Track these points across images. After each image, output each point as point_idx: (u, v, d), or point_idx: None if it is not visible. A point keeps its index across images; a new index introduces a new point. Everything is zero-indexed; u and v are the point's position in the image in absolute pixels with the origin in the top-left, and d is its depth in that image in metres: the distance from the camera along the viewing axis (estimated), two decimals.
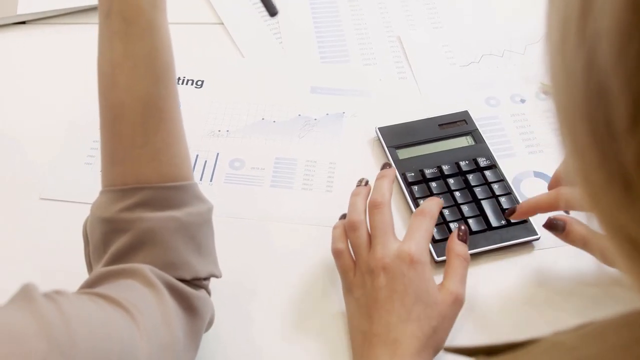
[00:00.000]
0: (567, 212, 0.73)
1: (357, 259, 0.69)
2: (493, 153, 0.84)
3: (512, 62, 0.99)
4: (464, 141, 0.85)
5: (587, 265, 0.74)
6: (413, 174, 0.81)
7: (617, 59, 0.27)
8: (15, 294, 0.47)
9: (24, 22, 1.05)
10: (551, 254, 0.75)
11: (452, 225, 0.76)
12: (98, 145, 0.85)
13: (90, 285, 0.56)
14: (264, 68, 0.98)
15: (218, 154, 0.86)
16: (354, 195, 0.72)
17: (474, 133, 0.86)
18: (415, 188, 0.79)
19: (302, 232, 0.79)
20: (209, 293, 0.63)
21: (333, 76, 0.96)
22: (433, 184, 0.80)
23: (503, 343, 0.41)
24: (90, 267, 0.63)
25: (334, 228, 0.72)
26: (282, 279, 0.75)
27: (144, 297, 0.54)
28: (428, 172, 0.81)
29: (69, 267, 0.73)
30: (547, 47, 0.34)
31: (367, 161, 0.85)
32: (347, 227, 0.70)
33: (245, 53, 1.00)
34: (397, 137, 0.86)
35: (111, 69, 0.59)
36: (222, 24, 1.04)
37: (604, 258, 0.68)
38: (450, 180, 0.80)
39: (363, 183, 0.74)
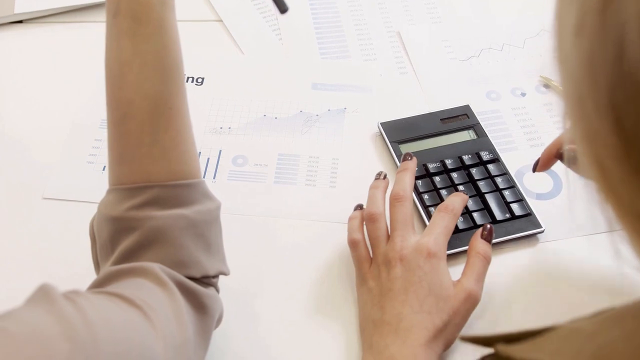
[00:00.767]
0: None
1: (374, 251, 0.70)
2: (495, 147, 0.84)
3: (512, 55, 0.99)
4: (466, 135, 0.85)
5: (592, 256, 0.74)
6: (417, 169, 0.81)
7: None
8: (33, 294, 0.47)
9: (21, 21, 1.04)
10: (556, 246, 0.76)
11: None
12: (100, 144, 0.86)
13: (100, 284, 0.56)
14: (264, 65, 0.98)
15: (221, 151, 0.86)
16: (373, 187, 0.73)
17: (476, 127, 0.86)
18: (419, 182, 0.80)
19: (306, 228, 0.79)
20: (217, 290, 0.63)
21: (334, 72, 0.96)
22: (437, 179, 0.80)
23: (520, 331, 0.41)
24: (97, 266, 0.62)
25: (351, 219, 0.73)
26: (288, 275, 0.75)
27: (156, 296, 0.53)
28: (431, 166, 0.81)
29: (72, 266, 0.73)
30: (561, 40, 0.34)
31: (370, 157, 0.85)
32: (366, 218, 0.71)
33: (245, 50, 1.00)
34: (399, 132, 0.86)
35: (119, 67, 0.59)
36: (221, 21, 1.04)
37: None
38: (454, 175, 0.80)
39: (382, 176, 0.75)
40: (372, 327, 0.65)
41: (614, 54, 0.29)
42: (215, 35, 1.02)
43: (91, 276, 0.63)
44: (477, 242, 0.69)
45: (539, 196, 0.80)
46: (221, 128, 0.89)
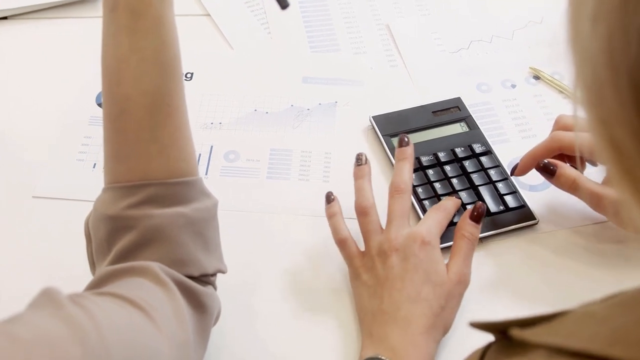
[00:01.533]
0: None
1: (367, 243, 0.69)
2: (487, 139, 0.84)
3: (501, 47, 0.99)
4: (458, 128, 0.85)
5: (586, 246, 0.74)
6: None
7: None
8: (37, 298, 0.47)
9: (5, 18, 1.03)
10: (550, 238, 0.76)
11: None
12: (89, 141, 0.85)
13: (98, 283, 0.55)
14: (254, 59, 0.97)
15: (212, 146, 0.86)
16: (358, 177, 0.72)
17: (467, 119, 0.86)
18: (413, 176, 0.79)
19: (300, 223, 0.78)
20: (215, 288, 0.62)
21: (324, 66, 0.96)
22: (430, 172, 0.80)
23: (532, 316, 0.41)
24: (93, 265, 0.62)
25: (331, 217, 0.71)
26: (282, 270, 0.74)
27: (156, 296, 0.53)
28: (424, 159, 0.81)
29: (65, 266, 0.73)
30: (577, 26, 0.34)
31: (362, 150, 0.84)
32: (357, 212, 0.71)
33: (234, 45, 0.99)
34: (391, 125, 0.86)
35: (117, 63, 0.58)
36: (209, 15, 1.03)
37: (597, 206, 0.70)
38: (447, 167, 0.80)
39: (363, 161, 0.73)
40: (370, 317, 0.65)
41: (636, 37, 0.29)
42: (204, 30, 1.02)
43: (85, 276, 0.62)
44: (465, 223, 0.69)
45: (532, 188, 0.80)
46: (212, 123, 0.88)
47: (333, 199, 0.72)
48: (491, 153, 0.82)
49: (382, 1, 1.07)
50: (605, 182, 0.72)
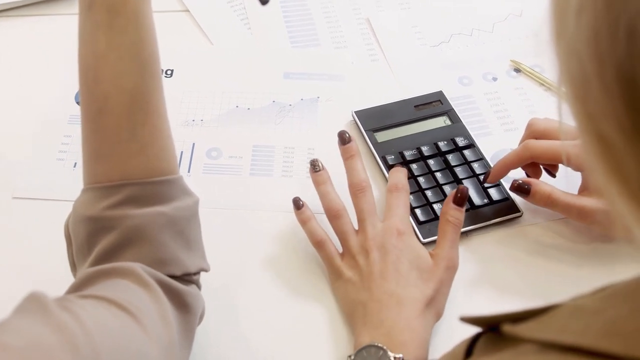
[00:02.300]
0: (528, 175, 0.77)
1: (344, 244, 0.70)
2: (470, 132, 0.84)
3: (481, 40, 0.99)
4: (441, 121, 0.85)
5: (570, 237, 0.75)
6: (393, 157, 0.81)
7: None
8: (24, 303, 0.46)
9: None
10: (535, 230, 0.76)
11: (436, 207, 0.76)
12: (69, 140, 0.84)
13: (80, 285, 0.54)
14: (234, 55, 0.96)
15: (194, 144, 0.85)
16: (320, 184, 0.73)
17: (449, 113, 0.86)
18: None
19: (284, 220, 0.78)
20: (199, 287, 0.62)
21: (305, 61, 0.95)
22: (414, 166, 0.80)
23: (523, 310, 0.41)
24: (74, 267, 0.61)
25: (304, 223, 0.72)
26: (267, 267, 0.74)
27: (141, 297, 0.52)
28: (408, 154, 0.81)
29: (46, 268, 0.72)
30: (561, 21, 0.33)
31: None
32: (329, 216, 0.71)
33: (214, 40, 0.98)
34: (374, 120, 0.85)
35: (95, 61, 0.57)
36: (188, 11, 1.02)
37: (577, 217, 0.71)
38: (431, 161, 0.80)
39: (320, 166, 0.74)
40: (362, 309, 0.65)
41: (624, 30, 0.29)
42: (183, 26, 1.01)
43: (67, 277, 0.62)
44: (448, 207, 0.69)
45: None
46: (193, 120, 0.88)
47: (302, 205, 0.73)
48: (474, 146, 0.82)
49: None
50: (581, 191, 0.73)
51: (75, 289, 0.54)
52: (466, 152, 0.81)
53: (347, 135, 0.74)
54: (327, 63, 0.95)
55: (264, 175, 0.82)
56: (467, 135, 0.83)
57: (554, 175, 0.77)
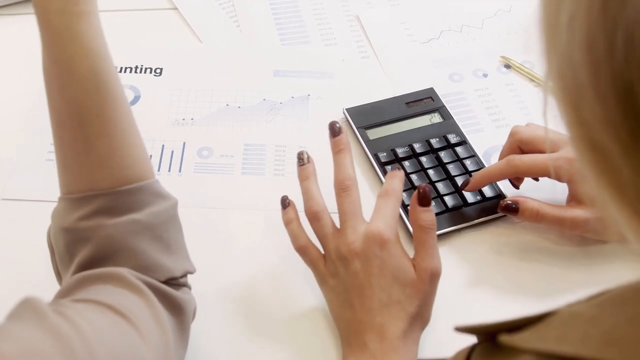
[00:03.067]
0: (515, 186, 0.77)
1: (324, 247, 0.66)
2: (462, 129, 0.84)
3: (471, 36, 0.99)
4: (433, 118, 0.85)
5: (564, 234, 0.75)
6: (385, 154, 0.81)
7: None
8: (18, 309, 0.45)
9: None
10: (528, 226, 0.76)
11: None
12: None
13: (70, 290, 0.54)
14: (223, 53, 0.96)
15: (185, 143, 0.84)
16: (303, 179, 0.69)
17: (441, 110, 0.86)
18: (388, 168, 0.79)
19: (277, 219, 0.77)
20: (189, 288, 0.61)
21: (295, 58, 0.95)
22: (406, 163, 0.80)
23: (518, 318, 0.41)
24: (59, 276, 0.60)
25: (288, 224, 0.69)
26: (261, 267, 0.73)
27: (134, 302, 0.52)
28: (400, 151, 0.81)
29: (36, 269, 0.71)
30: (554, 29, 0.33)
31: None
32: (308, 217, 0.68)
33: (203, 38, 0.98)
34: (365, 118, 0.85)
35: (46, 74, 0.57)
36: (177, 9, 1.01)
37: (568, 228, 0.71)
38: (423, 159, 0.80)
39: (305, 160, 0.70)
40: (345, 327, 0.64)
41: (622, 39, 0.28)
42: (172, 24, 1.00)
43: (56, 281, 0.61)
44: (416, 211, 0.65)
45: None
46: (183, 119, 0.87)
47: (289, 204, 0.70)
48: (466, 143, 0.82)
49: None
50: (569, 201, 0.73)
51: (64, 294, 0.54)
52: (458, 149, 0.81)
53: (338, 126, 0.70)
54: (317, 60, 0.95)
55: (256, 174, 0.81)
56: (458, 132, 0.83)
57: (537, 179, 0.77)
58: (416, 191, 0.65)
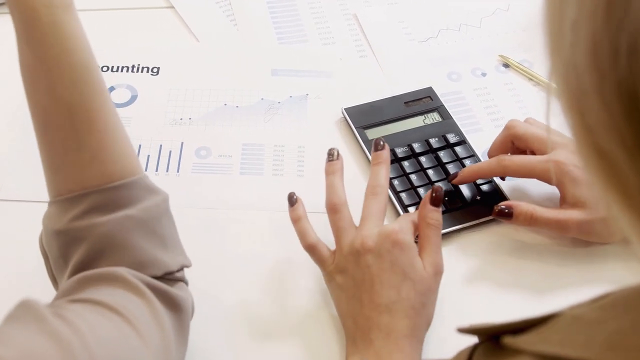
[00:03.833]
0: (502, 178, 0.78)
1: (338, 241, 0.66)
2: (461, 128, 0.84)
3: (470, 35, 0.99)
4: (431, 118, 0.85)
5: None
6: None
7: None
8: (16, 311, 0.45)
9: None
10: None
11: None
12: None
13: (69, 292, 0.53)
14: (221, 52, 0.95)
15: (182, 143, 0.84)
16: (329, 173, 0.70)
17: (440, 109, 0.86)
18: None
19: (276, 219, 0.77)
20: (186, 283, 0.61)
21: (293, 58, 0.95)
22: (405, 163, 0.79)
23: (521, 320, 0.41)
24: (54, 282, 0.60)
25: (295, 222, 0.68)
26: (259, 267, 0.73)
27: (133, 301, 0.51)
28: (399, 151, 0.80)
29: (33, 271, 0.70)
30: (558, 35, 0.33)
31: (336, 143, 0.84)
32: (328, 209, 0.68)
33: (200, 37, 0.97)
34: (364, 117, 0.85)
35: (29, 73, 0.56)
36: (173, 7, 1.01)
37: (563, 231, 0.72)
38: (422, 158, 0.80)
39: (335, 156, 0.71)
40: (352, 323, 0.64)
41: (626, 47, 0.28)
42: (168, 23, 0.99)
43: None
44: (426, 209, 0.66)
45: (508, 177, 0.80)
46: (181, 119, 0.86)
47: (296, 200, 0.70)
48: (465, 143, 0.82)
49: None
50: (561, 204, 0.72)
51: (63, 295, 0.53)
52: (457, 149, 0.81)
53: (383, 143, 0.71)
54: (315, 60, 0.94)
55: (254, 174, 0.81)
56: (458, 132, 0.83)
57: None
58: (430, 191, 0.67)
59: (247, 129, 0.85)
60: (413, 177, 0.78)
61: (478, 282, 0.72)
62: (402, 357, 0.60)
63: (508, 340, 0.39)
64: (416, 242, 0.66)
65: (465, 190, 0.77)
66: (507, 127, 0.76)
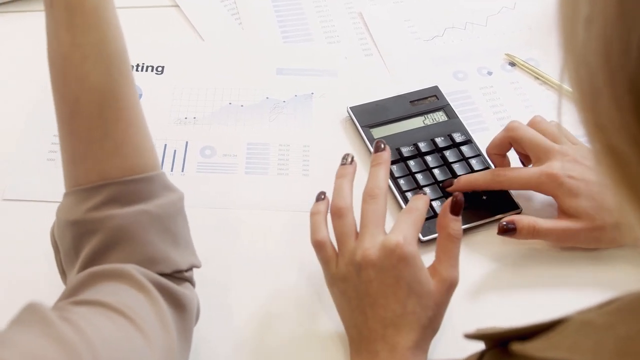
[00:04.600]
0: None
1: (340, 248, 0.64)
2: (467, 128, 0.83)
3: (475, 34, 0.98)
4: (437, 117, 0.85)
5: None
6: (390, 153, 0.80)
7: None
8: (22, 315, 0.44)
9: None
10: None
11: (435, 204, 0.75)
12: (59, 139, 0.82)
13: (76, 289, 0.53)
14: (225, 51, 0.95)
15: (187, 142, 0.83)
16: (339, 177, 0.68)
17: (446, 108, 0.85)
18: (394, 167, 0.78)
19: (281, 219, 0.77)
20: (193, 285, 0.60)
21: (298, 56, 0.94)
22: (411, 162, 0.79)
23: (529, 325, 0.40)
24: (63, 275, 0.60)
25: (313, 215, 0.67)
26: (265, 267, 0.73)
27: (140, 301, 0.51)
28: (405, 150, 0.80)
29: (37, 271, 0.70)
30: (571, 33, 0.32)
31: (341, 142, 0.84)
32: (332, 213, 0.66)
33: (205, 36, 0.97)
34: (369, 116, 0.84)
35: (61, 61, 0.56)
36: (178, 6, 1.00)
37: (566, 241, 0.72)
38: (428, 158, 0.79)
39: (349, 161, 0.69)
40: (356, 333, 0.63)
41: (637, 46, 0.28)
42: (173, 22, 0.99)
43: (58, 281, 0.60)
44: (447, 219, 0.63)
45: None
46: (186, 118, 0.86)
47: (323, 199, 0.68)
48: (471, 142, 0.81)
49: None
50: (559, 215, 0.72)
51: (70, 293, 0.53)
52: (463, 148, 0.80)
53: (383, 145, 0.69)
54: (321, 58, 0.94)
55: (259, 174, 0.81)
56: (464, 131, 0.82)
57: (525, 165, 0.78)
58: (450, 198, 0.64)
59: (252, 128, 0.85)
60: (419, 176, 0.78)
61: (482, 282, 0.72)
62: None
63: (517, 347, 0.39)
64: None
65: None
66: (508, 129, 0.76)
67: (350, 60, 0.95)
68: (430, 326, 0.62)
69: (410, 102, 0.86)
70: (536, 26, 0.97)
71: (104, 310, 0.49)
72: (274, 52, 0.95)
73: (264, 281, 0.72)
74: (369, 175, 0.67)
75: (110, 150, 0.56)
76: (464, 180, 0.76)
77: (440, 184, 0.77)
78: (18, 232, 0.75)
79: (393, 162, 0.79)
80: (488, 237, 0.75)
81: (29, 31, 0.97)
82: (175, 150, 0.82)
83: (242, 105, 0.88)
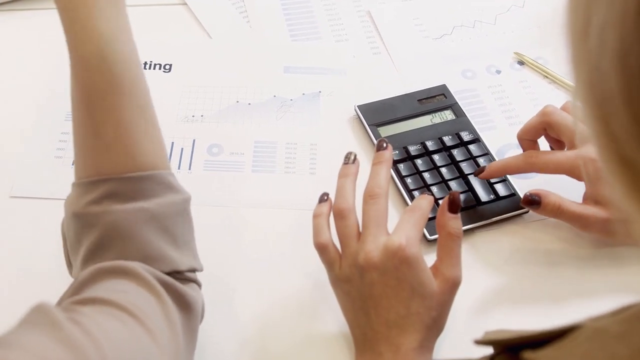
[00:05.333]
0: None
1: (343, 249, 0.64)
2: (475, 126, 0.83)
3: (484, 32, 0.98)
4: (445, 115, 0.84)
5: (578, 233, 0.74)
6: (397, 152, 0.79)
7: None
8: (30, 315, 0.45)
9: None
10: (541, 226, 0.75)
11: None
12: (67, 137, 0.83)
13: (83, 285, 0.53)
14: (233, 49, 0.95)
15: (194, 140, 0.83)
16: (342, 176, 0.67)
17: (454, 107, 0.85)
18: (401, 166, 0.78)
19: (288, 218, 0.77)
20: (199, 285, 0.60)
21: (306, 55, 0.94)
22: (418, 161, 0.79)
23: (539, 331, 0.40)
24: (69, 264, 0.60)
25: (315, 217, 0.66)
26: (271, 265, 0.73)
27: (147, 300, 0.51)
28: (412, 149, 0.80)
29: (45, 267, 0.71)
30: (582, 40, 0.32)
31: (349, 141, 0.84)
32: (334, 214, 0.65)
33: (212, 34, 0.97)
34: (377, 115, 0.84)
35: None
36: (186, 4, 1.00)
37: (584, 227, 0.70)
38: (436, 157, 0.79)
39: (351, 160, 0.68)
40: (360, 334, 0.63)
41: None
42: (181, 20, 0.99)
43: (65, 277, 0.61)
44: (445, 218, 0.63)
45: (523, 175, 0.79)
46: (193, 116, 0.86)
47: (325, 200, 0.68)
48: (479, 141, 0.81)
49: None
50: (584, 200, 0.72)
51: (76, 289, 0.53)
52: (471, 147, 0.80)
53: (385, 144, 0.68)
54: (328, 57, 0.94)
55: (266, 172, 0.80)
56: (472, 130, 0.82)
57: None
58: (447, 196, 0.63)
59: (259, 127, 0.85)
60: (426, 175, 0.77)
61: (490, 282, 0.71)
62: None
63: (528, 355, 0.38)
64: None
65: (479, 188, 0.76)
66: (543, 113, 0.74)
67: (358, 58, 0.94)
68: (435, 326, 0.61)
69: (418, 100, 0.86)
70: (545, 25, 0.97)
71: (111, 309, 0.49)
72: (281, 50, 0.95)
73: (269, 280, 0.72)
74: (370, 174, 0.67)
75: (102, 148, 0.57)
76: (496, 165, 0.74)
77: (469, 175, 0.77)
78: (26, 229, 0.75)
79: (400, 161, 0.79)
80: (494, 237, 0.75)
81: (37, 29, 0.97)
82: (182, 148, 0.82)
83: (249, 104, 0.88)
